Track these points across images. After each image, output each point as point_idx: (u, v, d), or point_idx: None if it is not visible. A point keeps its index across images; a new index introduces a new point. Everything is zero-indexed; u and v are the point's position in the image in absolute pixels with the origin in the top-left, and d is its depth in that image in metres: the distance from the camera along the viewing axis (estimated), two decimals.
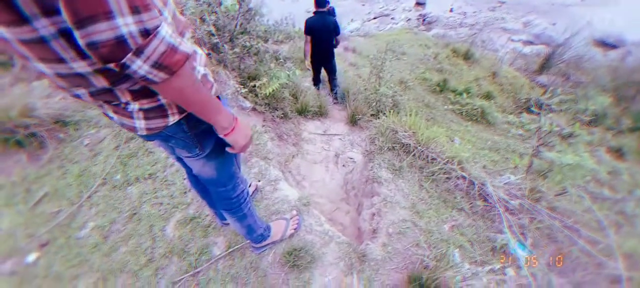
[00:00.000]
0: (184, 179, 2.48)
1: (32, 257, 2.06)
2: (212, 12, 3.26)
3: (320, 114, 4.24)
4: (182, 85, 0.80)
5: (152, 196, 2.38)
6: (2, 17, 0.66)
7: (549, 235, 2.51)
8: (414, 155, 3.03)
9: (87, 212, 2.32)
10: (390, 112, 3.76)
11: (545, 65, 8.27)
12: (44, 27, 0.68)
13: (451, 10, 15.12)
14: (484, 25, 12.87)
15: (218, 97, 1.08)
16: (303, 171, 3.18)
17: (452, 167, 2.89)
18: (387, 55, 4.35)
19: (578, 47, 8.01)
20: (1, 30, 0.68)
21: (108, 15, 0.64)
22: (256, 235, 1.85)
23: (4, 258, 2.07)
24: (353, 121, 4.06)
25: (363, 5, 16.63)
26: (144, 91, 0.88)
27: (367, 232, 2.44)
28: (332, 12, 4.88)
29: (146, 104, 0.90)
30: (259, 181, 2.51)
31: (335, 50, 4.87)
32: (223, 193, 1.40)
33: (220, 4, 3.31)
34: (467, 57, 8.08)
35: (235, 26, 3.32)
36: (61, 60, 0.74)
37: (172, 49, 0.74)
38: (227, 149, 1.10)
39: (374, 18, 14.96)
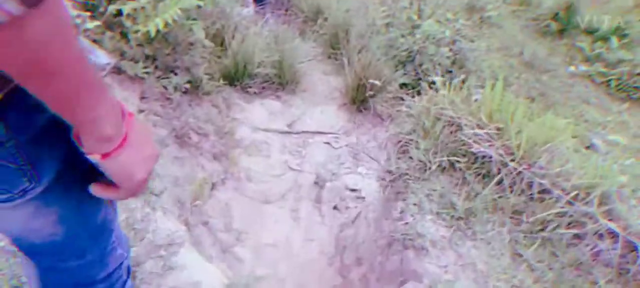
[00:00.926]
0: None
1: None
2: None
3: (281, 82, 2.54)
4: (44, 33, 0.43)
5: None
6: None
7: None
8: (500, 182, 1.67)
9: None
10: (445, 80, 2.14)
11: None
12: None
13: None
14: None
15: None
16: (239, 219, 1.87)
17: (588, 211, 1.51)
18: None
19: None
20: None
21: None
22: None
23: None
24: (358, 101, 2.46)
25: None
26: None
27: None
28: None
29: None
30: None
31: None
32: (76, 272, 0.83)
33: None
34: None
35: None
36: None
37: None
38: (95, 187, 0.65)
39: None
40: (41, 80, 0.48)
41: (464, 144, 1.79)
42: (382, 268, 1.63)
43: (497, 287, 1.38)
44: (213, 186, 1.96)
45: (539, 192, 1.57)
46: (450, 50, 2.52)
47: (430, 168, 1.75)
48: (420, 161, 1.78)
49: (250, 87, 2.51)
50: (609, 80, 3.43)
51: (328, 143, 2.33)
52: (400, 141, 1.89)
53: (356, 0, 3.19)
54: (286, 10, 3.37)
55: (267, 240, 1.85)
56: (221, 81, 2.30)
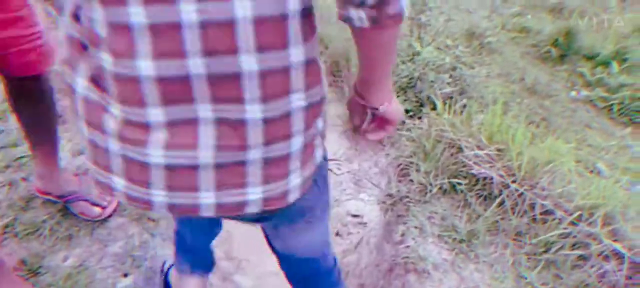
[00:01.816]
0: None
1: None
2: None
3: None
4: (394, 36, 0.65)
5: None
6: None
7: None
8: (502, 203, 1.63)
9: None
10: (446, 104, 2.14)
11: None
12: None
13: None
14: None
15: None
16: (240, 246, 1.80)
17: (592, 231, 1.47)
18: None
19: None
20: None
21: None
22: None
23: None
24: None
25: None
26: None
27: None
28: None
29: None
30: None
31: None
32: (323, 267, 1.02)
33: None
34: None
35: None
36: None
37: None
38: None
39: None
40: (391, 57, 0.72)
41: (464, 166, 1.76)
42: None
43: None
44: None
45: (542, 213, 1.53)
46: (451, 76, 2.52)
47: (431, 190, 1.72)
48: (421, 184, 1.75)
49: None
50: (611, 104, 3.32)
51: (330, 169, 2.31)
52: (400, 164, 1.87)
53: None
54: None
55: (269, 268, 1.81)
56: None
